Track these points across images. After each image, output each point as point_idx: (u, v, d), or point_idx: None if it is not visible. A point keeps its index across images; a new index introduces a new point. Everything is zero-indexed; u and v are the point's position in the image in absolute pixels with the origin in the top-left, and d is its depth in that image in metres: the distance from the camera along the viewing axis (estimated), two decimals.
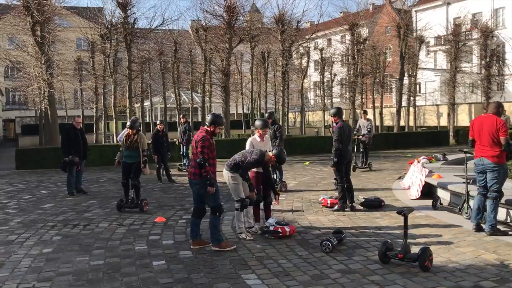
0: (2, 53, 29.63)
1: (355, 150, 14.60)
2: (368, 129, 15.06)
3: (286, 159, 7.39)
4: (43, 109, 24.91)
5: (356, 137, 14.95)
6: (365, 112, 15.80)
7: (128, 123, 9.62)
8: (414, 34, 33.69)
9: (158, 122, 13.63)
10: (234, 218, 7.77)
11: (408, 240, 5.76)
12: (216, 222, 6.45)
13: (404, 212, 5.65)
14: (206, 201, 6.47)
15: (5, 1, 20.86)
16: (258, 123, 7.87)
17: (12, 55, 30.07)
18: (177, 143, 17.45)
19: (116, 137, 24.73)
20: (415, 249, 5.71)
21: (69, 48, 29.50)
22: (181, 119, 16.51)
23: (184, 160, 15.77)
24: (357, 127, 15.48)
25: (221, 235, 6.43)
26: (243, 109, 41.53)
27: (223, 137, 23.45)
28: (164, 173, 13.49)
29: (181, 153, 16.17)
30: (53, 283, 5.36)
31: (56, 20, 24.46)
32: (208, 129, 6.53)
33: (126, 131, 13.45)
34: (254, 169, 7.34)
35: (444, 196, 9.33)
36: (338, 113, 9.00)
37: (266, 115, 11.81)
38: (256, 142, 7.79)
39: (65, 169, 11.49)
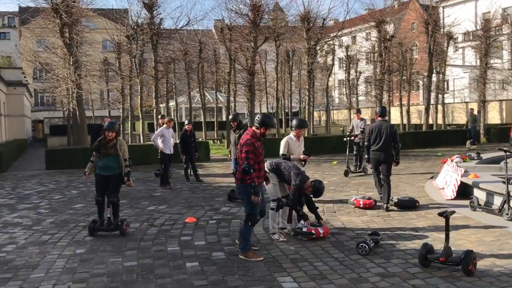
0: (32, 55, 30.19)
1: (347, 152, 13.77)
2: (362, 130, 13.73)
3: (323, 193, 7.21)
4: (71, 110, 25.27)
5: (347, 138, 14.01)
6: (359, 111, 14.81)
7: (106, 124, 7.72)
8: (442, 30, 32.97)
9: (186, 122, 13.59)
10: (265, 218, 7.66)
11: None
12: (247, 231, 6.13)
13: (446, 214, 5.44)
14: (244, 206, 6.22)
15: (34, 4, 21.17)
16: (294, 122, 7.67)
17: (41, 57, 30.65)
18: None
19: (145, 137, 24.91)
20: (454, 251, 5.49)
21: (96, 49, 29.86)
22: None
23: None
24: (350, 127, 14.70)
25: (250, 245, 6.16)
26: (267, 108, 41.40)
27: None
28: (192, 173, 13.47)
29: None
30: (88, 284, 5.34)
31: (83, 22, 24.77)
32: (257, 131, 6.14)
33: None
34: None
35: (481, 196, 9.00)
36: (378, 112, 9.34)
37: (230, 117, 10.11)
38: (292, 142, 7.59)
39: None
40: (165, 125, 12.84)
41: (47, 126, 49.71)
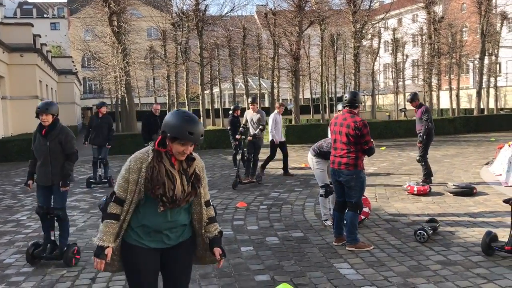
0: (81, 44, 31.08)
1: (237, 158, 11.15)
2: (261, 127, 10.40)
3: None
4: (120, 97, 25.90)
5: (241, 137, 10.79)
6: (254, 101, 10.90)
7: (166, 123, 2.92)
8: (495, 10, 31.46)
9: (232, 108, 13.58)
10: (317, 204, 7.61)
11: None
12: (355, 220, 5.79)
13: (511, 201, 5.21)
14: (350, 195, 5.77)
15: None
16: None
17: (90, 45, 31.52)
18: None
19: None
20: None
21: (142, 37, 30.41)
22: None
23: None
24: (243, 122, 10.81)
25: (358, 235, 5.88)
26: (311, 94, 41.05)
27: (293, 122, 23.24)
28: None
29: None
30: None
31: (129, 10, 25.25)
32: (355, 110, 5.83)
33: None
34: None
35: None
36: (415, 98, 9.65)
37: (97, 103, 7.97)
38: None
39: None
40: (277, 110, 11.34)
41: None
